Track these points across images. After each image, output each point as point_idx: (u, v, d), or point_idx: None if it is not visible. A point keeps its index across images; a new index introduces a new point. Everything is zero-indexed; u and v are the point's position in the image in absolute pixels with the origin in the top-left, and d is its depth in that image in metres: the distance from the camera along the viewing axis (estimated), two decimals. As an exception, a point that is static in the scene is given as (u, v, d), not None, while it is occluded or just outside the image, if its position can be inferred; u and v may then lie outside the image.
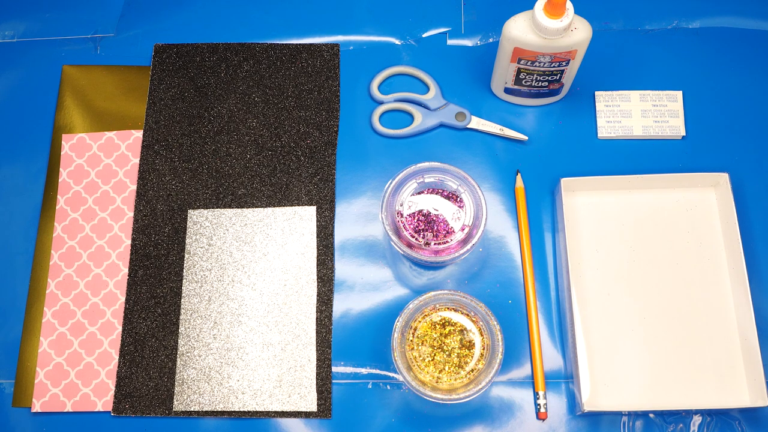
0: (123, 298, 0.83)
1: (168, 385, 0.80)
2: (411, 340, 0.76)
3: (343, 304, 0.83)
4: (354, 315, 0.82)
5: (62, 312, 0.83)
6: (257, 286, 0.83)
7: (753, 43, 0.89)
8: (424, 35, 0.92)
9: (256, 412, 0.79)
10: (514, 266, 0.83)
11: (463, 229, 0.76)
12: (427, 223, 0.77)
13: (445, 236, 0.76)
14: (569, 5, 0.73)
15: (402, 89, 0.89)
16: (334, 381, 0.80)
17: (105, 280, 0.84)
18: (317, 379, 0.80)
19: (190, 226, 0.85)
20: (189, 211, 0.85)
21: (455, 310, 0.77)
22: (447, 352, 0.76)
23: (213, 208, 0.85)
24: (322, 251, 0.84)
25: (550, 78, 0.82)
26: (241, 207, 0.85)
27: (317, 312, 0.82)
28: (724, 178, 0.81)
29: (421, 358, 0.76)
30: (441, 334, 0.76)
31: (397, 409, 0.79)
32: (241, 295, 0.82)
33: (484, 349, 0.76)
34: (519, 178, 0.85)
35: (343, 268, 0.84)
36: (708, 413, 0.77)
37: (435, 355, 0.76)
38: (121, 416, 0.80)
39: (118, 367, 0.81)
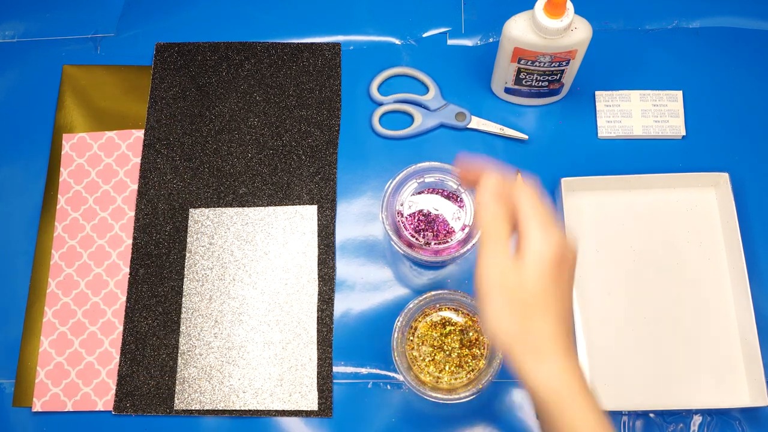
0: (123, 298, 0.83)
1: (169, 383, 0.80)
2: (411, 340, 0.77)
3: (343, 304, 0.83)
4: (354, 315, 0.82)
5: (63, 311, 0.83)
6: (258, 284, 0.83)
7: (753, 43, 0.89)
8: (424, 35, 0.92)
9: (257, 411, 0.79)
10: (515, 266, 0.83)
11: (463, 229, 0.76)
12: (428, 223, 0.77)
13: (445, 236, 0.76)
14: (569, 5, 0.73)
15: (401, 90, 0.89)
16: (334, 381, 0.80)
17: (105, 279, 0.84)
18: (318, 378, 0.80)
19: (191, 224, 0.85)
20: (190, 209, 0.85)
21: (455, 310, 0.77)
22: (447, 352, 0.76)
23: (214, 206, 0.86)
24: (323, 250, 0.84)
25: (550, 78, 0.82)
26: (243, 206, 0.85)
27: (318, 311, 0.82)
28: (724, 178, 0.81)
29: (421, 358, 0.76)
30: (441, 333, 0.76)
31: (398, 409, 0.79)
32: (242, 294, 0.82)
33: (484, 348, 0.76)
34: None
35: (343, 268, 0.84)
36: (708, 413, 0.77)
37: (435, 354, 0.76)
38: (121, 415, 0.80)
39: (119, 365, 0.81)
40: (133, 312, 0.83)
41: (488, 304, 0.54)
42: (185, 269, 0.83)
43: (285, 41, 0.92)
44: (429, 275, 0.83)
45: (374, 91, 0.89)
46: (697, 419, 0.77)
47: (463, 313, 0.77)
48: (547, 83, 0.83)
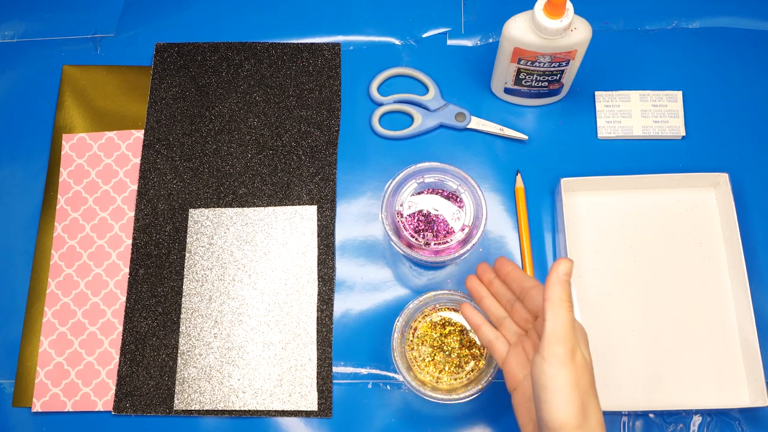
0: (123, 298, 0.83)
1: (169, 384, 0.80)
2: (411, 340, 0.77)
3: (343, 304, 0.83)
4: (354, 315, 0.82)
5: (62, 312, 0.83)
6: (258, 285, 0.83)
7: (753, 43, 0.89)
8: (424, 35, 0.92)
9: (257, 411, 0.79)
10: (514, 266, 0.83)
11: (463, 229, 0.76)
12: (427, 223, 0.77)
13: (445, 236, 0.76)
14: (569, 5, 0.73)
15: (401, 90, 0.89)
16: (334, 381, 0.80)
17: (105, 279, 0.84)
18: (318, 378, 0.80)
19: (191, 225, 0.85)
20: (190, 210, 0.85)
21: (455, 310, 0.77)
22: (447, 352, 0.76)
23: (214, 207, 0.86)
24: (323, 250, 0.84)
25: (550, 78, 0.82)
26: (242, 206, 0.85)
27: (318, 311, 0.82)
28: (724, 178, 0.81)
29: (421, 358, 0.76)
30: (441, 334, 0.76)
31: (397, 409, 0.79)
32: (241, 294, 0.82)
33: (483, 349, 0.76)
34: (519, 178, 0.85)
35: (343, 268, 0.84)
36: (708, 413, 0.77)
37: (435, 355, 0.76)
38: (121, 415, 0.80)
39: (119, 366, 0.81)
40: (132, 312, 0.83)
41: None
42: (185, 269, 0.83)
43: (285, 41, 0.92)
44: (429, 275, 0.83)
45: (374, 91, 0.89)
46: (697, 419, 0.77)
47: (462, 313, 0.77)
48: (546, 83, 0.83)
